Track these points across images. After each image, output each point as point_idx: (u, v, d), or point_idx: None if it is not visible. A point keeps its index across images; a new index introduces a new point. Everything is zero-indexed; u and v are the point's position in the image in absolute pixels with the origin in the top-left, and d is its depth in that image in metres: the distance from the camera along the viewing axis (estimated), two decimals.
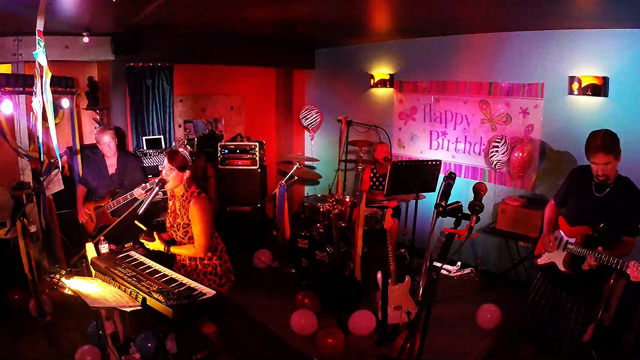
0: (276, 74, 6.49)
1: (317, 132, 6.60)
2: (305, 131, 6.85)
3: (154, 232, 2.77)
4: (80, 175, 4.33)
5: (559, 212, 2.95)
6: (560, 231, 2.85)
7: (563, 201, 2.92)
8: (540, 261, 2.93)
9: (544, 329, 2.94)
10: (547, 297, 2.91)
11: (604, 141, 2.49)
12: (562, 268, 2.76)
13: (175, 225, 2.78)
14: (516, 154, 4.32)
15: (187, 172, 2.69)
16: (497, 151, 4.40)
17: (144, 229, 2.80)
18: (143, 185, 3.75)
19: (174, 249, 2.75)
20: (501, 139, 4.41)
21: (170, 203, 2.83)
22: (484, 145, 4.80)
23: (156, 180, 3.32)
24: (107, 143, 3.90)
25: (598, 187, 2.64)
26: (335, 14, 3.95)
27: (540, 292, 2.95)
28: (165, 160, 2.70)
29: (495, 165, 4.47)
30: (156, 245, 2.75)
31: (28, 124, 4.15)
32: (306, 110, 6.33)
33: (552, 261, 2.83)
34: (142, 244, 2.83)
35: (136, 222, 2.78)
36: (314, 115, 6.29)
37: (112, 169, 4.02)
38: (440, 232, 5.01)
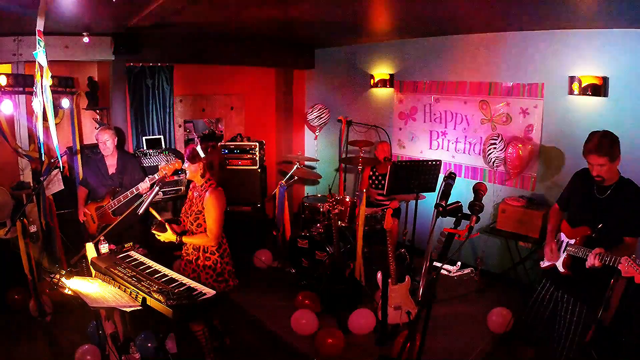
0: (276, 74, 6.49)
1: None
2: (306, 131, 6.84)
3: (166, 224, 2.85)
4: (81, 177, 4.33)
5: (563, 215, 2.95)
6: (562, 233, 2.86)
7: (566, 204, 2.93)
8: (542, 264, 2.95)
9: (544, 330, 2.94)
10: (549, 299, 2.90)
11: (598, 143, 2.51)
12: (561, 269, 2.76)
13: (189, 212, 2.93)
14: (510, 150, 4.31)
15: (200, 164, 2.85)
16: (494, 148, 4.40)
17: (159, 218, 2.90)
18: (148, 178, 3.72)
19: (186, 239, 2.86)
20: (498, 137, 4.42)
21: (190, 193, 3.02)
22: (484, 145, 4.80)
23: (157, 177, 3.33)
24: (104, 141, 3.91)
25: (599, 189, 2.64)
26: (336, 14, 3.94)
27: (542, 294, 2.94)
28: None
29: (493, 162, 4.46)
30: (168, 235, 2.85)
31: (28, 124, 4.16)
32: (319, 110, 6.08)
33: (553, 263, 2.84)
34: (140, 243, 2.86)
35: (151, 209, 2.88)
36: (326, 116, 6.11)
37: (112, 169, 4.03)
38: (440, 232, 5.01)
